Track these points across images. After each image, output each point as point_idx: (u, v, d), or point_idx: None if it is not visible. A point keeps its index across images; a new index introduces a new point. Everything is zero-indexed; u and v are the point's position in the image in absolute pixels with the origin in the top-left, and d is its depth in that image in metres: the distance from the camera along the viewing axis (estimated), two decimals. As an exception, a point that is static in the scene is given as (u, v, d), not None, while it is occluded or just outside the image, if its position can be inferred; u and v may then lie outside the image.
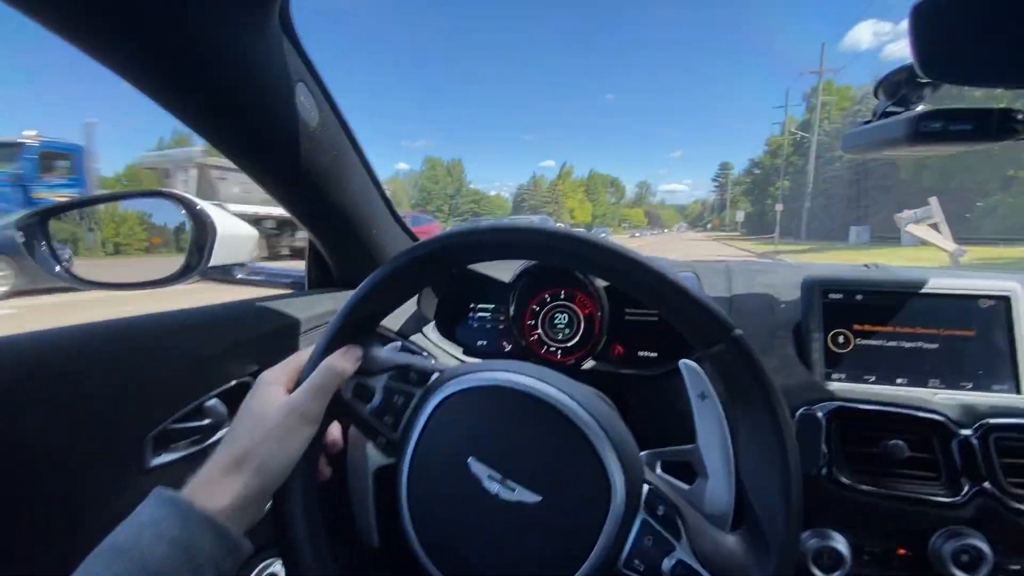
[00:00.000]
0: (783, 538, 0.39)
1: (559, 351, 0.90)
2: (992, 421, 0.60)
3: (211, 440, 0.66)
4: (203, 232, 0.87)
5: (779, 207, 30.95)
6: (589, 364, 0.88)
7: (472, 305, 0.99)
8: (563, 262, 0.49)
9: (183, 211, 0.89)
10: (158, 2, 0.45)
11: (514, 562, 0.41)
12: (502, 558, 0.42)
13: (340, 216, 0.82)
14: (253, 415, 0.44)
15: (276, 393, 0.46)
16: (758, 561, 0.40)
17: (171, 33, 0.47)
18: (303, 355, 0.50)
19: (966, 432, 0.60)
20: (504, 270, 0.95)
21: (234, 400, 0.68)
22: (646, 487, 0.42)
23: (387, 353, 0.51)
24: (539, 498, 0.41)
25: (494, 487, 0.42)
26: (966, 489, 0.58)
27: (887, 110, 0.65)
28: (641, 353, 0.88)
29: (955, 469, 0.59)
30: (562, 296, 0.91)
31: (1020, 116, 0.54)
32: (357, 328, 0.50)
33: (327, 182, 0.74)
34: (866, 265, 0.88)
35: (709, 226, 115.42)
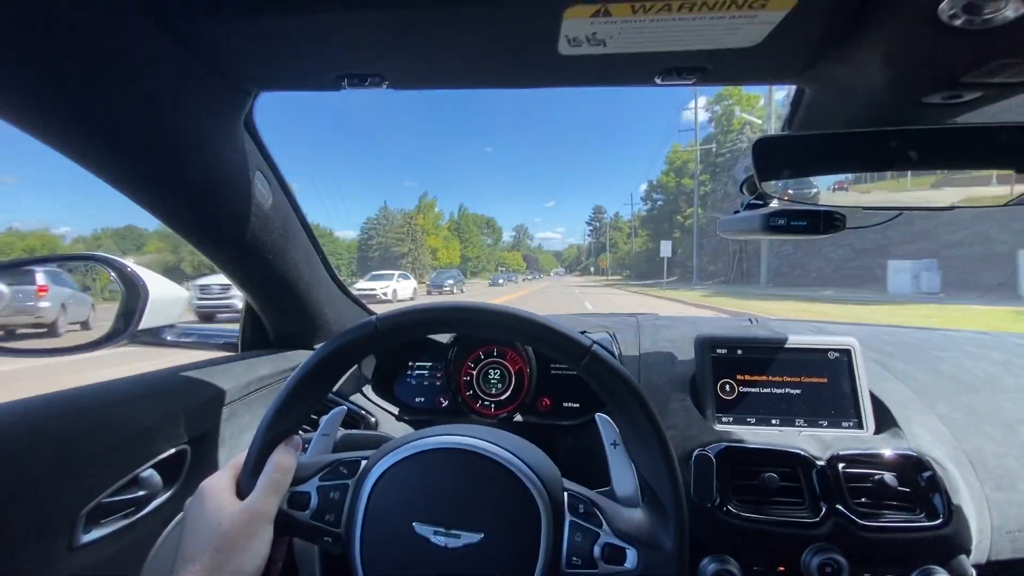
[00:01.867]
0: (672, 500, 0.48)
1: (492, 405, 0.98)
2: (840, 452, 0.74)
3: (143, 512, 0.65)
4: (135, 295, 0.87)
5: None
6: (519, 418, 0.96)
7: (410, 363, 1.04)
8: (461, 330, 0.56)
9: (113, 275, 0.89)
10: (146, 103, 0.50)
11: None
12: None
13: (283, 283, 0.86)
14: (211, 525, 0.44)
15: (227, 499, 0.46)
16: (663, 523, 0.48)
17: (154, 131, 0.52)
18: (240, 459, 0.51)
19: (822, 463, 0.73)
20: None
21: (170, 469, 0.69)
22: (565, 494, 0.50)
23: (312, 456, 0.55)
24: (481, 535, 0.47)
25: (441, 540, 0.47)
26: (824, 511, 0.71)
27: (751, 203, 0.82)
28: (566, 404, 0.97)
29: (815, 494, 0.72)
30: (495, 353, 0.99)
31: (838, 216, 0.71)
32: (285, 432, 0.52)
33: (273, 254, 0.79)
34: (749, 319, 1.05)
35: (592, 269, 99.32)
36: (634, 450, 0.53)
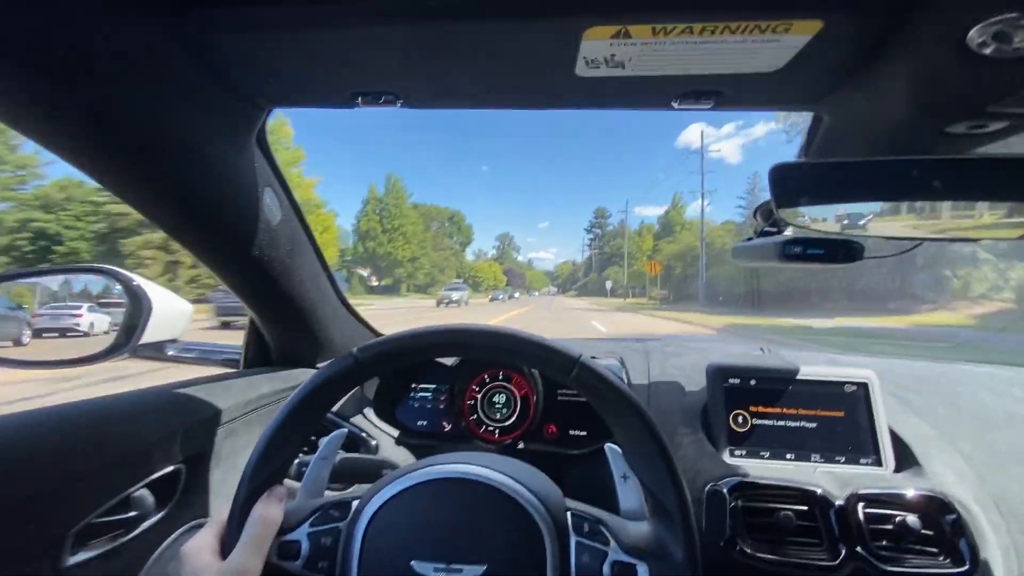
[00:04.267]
0: (678, 505, 0.46)
1: (497, 431, 0.95)
2: (860, 491, 0.71)
3: (133, 534, 0.63)
4: (138, 309, 0.86)
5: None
6: (523, 445, 0.93)
7: (414, 386, 1.02)
8: (449, 354, 0.54)
9: (118, 287, 0.88)
10: (159, 117, 0.50)
11: None
12: None
13: (288, 300, 0.85)
14: None
15: (207, 560, 0.44)
16: (671, 533, 0.46)
17: (166, 145, 0.52)
18: (224, 514, 0.49)
19: (840, 502, 0.70)
20: None
21: (163, 489, 0.67)
22: (568, 514, 0.48)
23: (301, 500, 0.53)
24: (484, 567, 0.44)
25: None
26: (843, 553, 0.68)
27: (765, 230, 0.80)
28: (572, 432, 0.95)
29: (834, 535, 0.69)
30: (500, 377, 0.97)
31: (856, 245, 0.70)
32: (269, 479, 0.50)
33: (280, 270, 0.78)
34: (761, 349, 1.03)
35: (588, 286, 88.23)
36: (633, 459, 0.50)
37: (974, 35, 0.40)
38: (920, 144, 0.60)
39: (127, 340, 0.86)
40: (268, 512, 0.47)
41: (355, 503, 0.49)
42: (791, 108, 0.62)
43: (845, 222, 0.68)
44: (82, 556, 0.57)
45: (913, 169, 0.57)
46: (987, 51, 0.41)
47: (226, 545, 0.46)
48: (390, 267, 56.20)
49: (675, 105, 0.59)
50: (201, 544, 0.46)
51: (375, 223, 54.98)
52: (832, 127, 0.65)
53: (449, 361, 0.99)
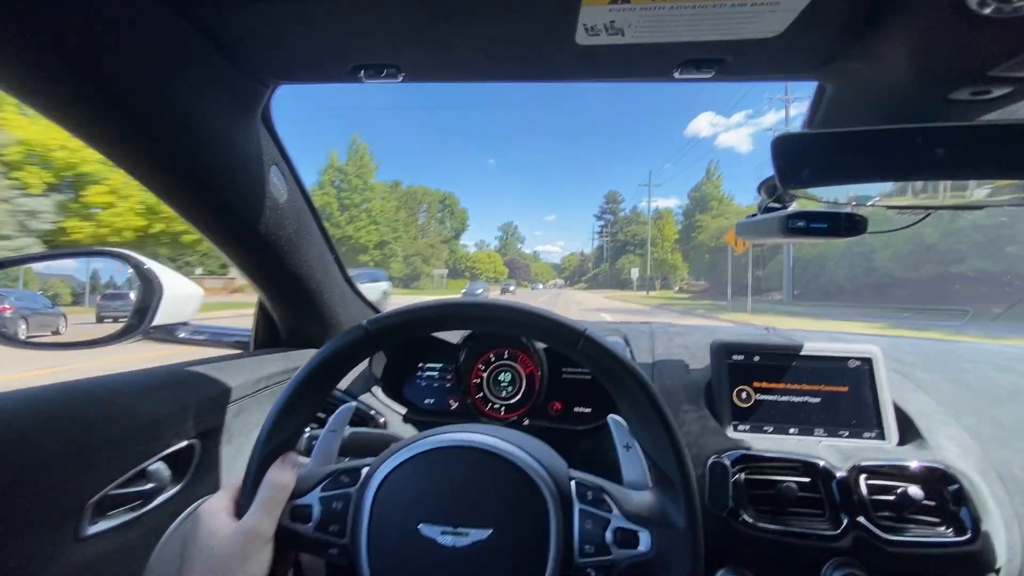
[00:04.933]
0: (680, 474, 0.46)
1: (503, 408, 0.96)
2: (862, 463, 0.71)
3: (150, 506, 0.65)
4: (149, 292, 0.88)
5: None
6: (528, 421, 0.95)
7: (420, 364, 1.04)
8: (455, 327, 0.55)
9: (130, 270, 0.90)
10: (165, 92, 0.51)
11: None
12: None
13: (295, 281, 0.86)
14: (206, 549, 0.44)
15: (223, 521, 0.46)
16: (673, 501, 0.47)
17: (172, 122, 0.53)
18: (238, 478, 0.50)
19: (842, 474, 0.71)
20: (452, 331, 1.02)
21: (178, 463, 0.69)
22: (572, 482, 0.49)
23: (312, 468, 0.54)
24: (489, 531, 0.46)
25: (448, 540, 0.46)
26: (844, 523, 0.68)
27: (768, 206, 0.80)
28: (577, 409, 0.96)
29: (836, 506, 0.70)
30: (506, 355, 0.98)
31: (858, 218, 0.70)
32: (281, 447, 0.51)
33: (287, 250, 0.79)
34: (766, 328, 1.03)
35: (600, 278, 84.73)
36: (637, 430, 0.51)
37: None
38: (924, 112, 0.59)
39: (139, 322, 0.88)
40: (281, 476, 0.48)
41: (365, 470, 0.50)
42: (793, 77, 0.62)
43: (849, 193, 0.68)
44: (101, 526, 0.59)
45: (917, 137, 0.56)
46: (987, 11, 0.41)
47: (240, 508, 0.48)
48: (351, 254, 42.05)
49: (676, 75, 0.58)
50: (216, 506, 0.48)
51: (331, 199, 42.22)
52: (835, 97, 0.64)
53: (455, 340, 1.00)
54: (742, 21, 0.47)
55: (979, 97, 0.55)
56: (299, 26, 0.52)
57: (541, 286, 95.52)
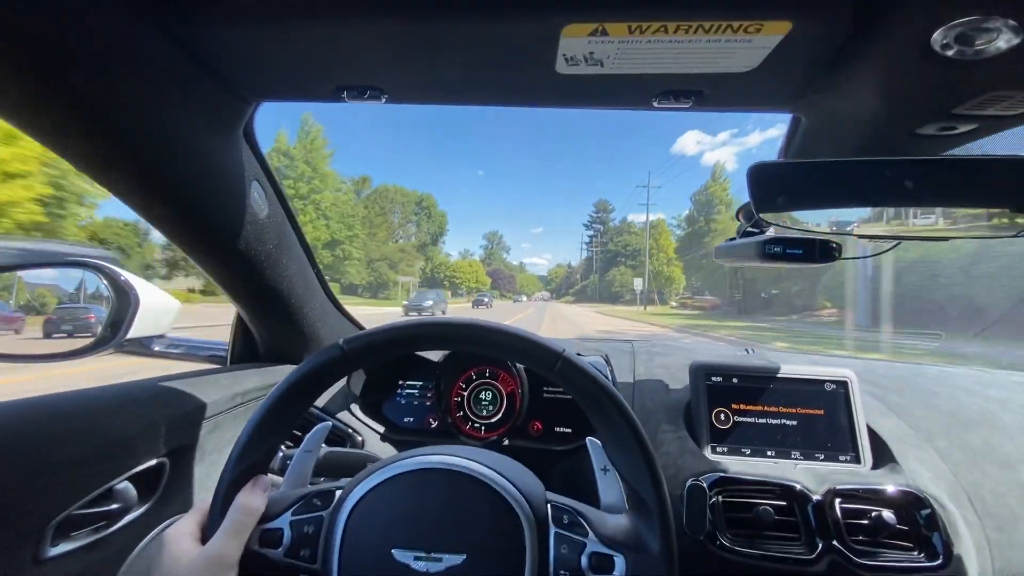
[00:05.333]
0: (656, 498, 0.46)
1: (483, 427, 0.96)
2: (837, 487, 0.72)
3: (115, 527, 0.63)
4: (125, 304, 0.86)
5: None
6: (507, 442, 0.94)
7: (401, 382, 1.03)
8: (434, 347, 0.55)
9: (104, 282, 0.88)
10: (145, 108, 0.51)
11: None
12: None
13: (275, 296, 0.85)
14: (167, 575, 0.43)
15: (187, 546, 0.45)
16: (648, 526, 0.47)
17: (153, 138, 0.53)
18: (206, 503, 0.49)
19: (818, 497, 0.71)
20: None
21: (147, 482, 0.67)
22: (548, 505, 0.48)
23: (284, 490, 0.53)
24: (464, 556, 0.45)
25: (422, 566, 0.45)
26: (820, 547, 0.69)
27: (747, 230, 0.82)
28: (558, 429, 0.95)
29: (811, 530, 0.70)
30: (487, 374, 0.98)
31: (835, 245, 0.71)
32: (254, 467, 0.50)
33: (266, 265, 0.79)
34: (746, 350, 1.04)
35: (588, 290, 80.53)
36: (613, 453, 0.51)
37: (938, 36, 0.41)
38: (893, 145, 0.61)
39: (113, 335, 0.86)
40: (250, 500, 0.47)
41: (338, 492, 0.50)
42: (768, 109, 0.64)
43: (823, 222, 0.69)
44: (63, 548, 0.57)
45: (886, 170, 0.58)
46: (950, 53, 0.42)
47: (206, 532, 0.47)
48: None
49: (655, 104, 0.60)
50: (182, 530, 0.46)
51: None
52: (809, 128, 0.66)
53: (436, 358, 1.00)
54: (717, 56, 0.49)
55: (945, 132, 0.57)
56: (284, 47, 0.52)
57: (525, 298, 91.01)
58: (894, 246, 0.72)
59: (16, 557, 0.52)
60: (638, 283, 46.15)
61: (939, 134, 0.58)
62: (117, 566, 0.62)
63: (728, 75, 0.53)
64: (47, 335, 0.90)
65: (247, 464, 0.49)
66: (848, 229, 0.69)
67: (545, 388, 0.98)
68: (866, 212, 0.68)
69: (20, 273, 0.91)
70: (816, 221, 0.70)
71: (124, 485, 0.64)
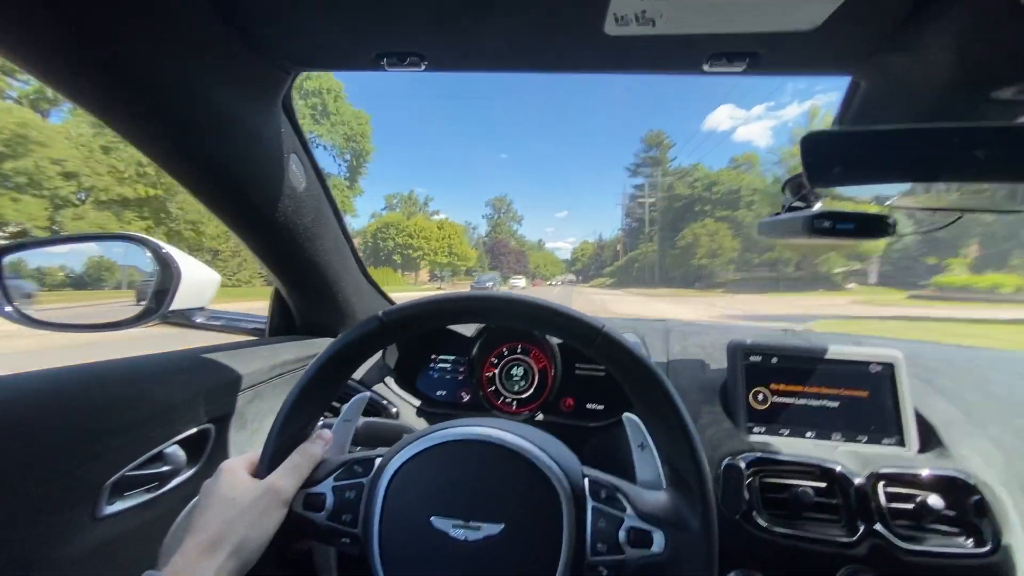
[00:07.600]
0: (696, 477, 0.46)
1: (514, 402, 0.96)
2: (881, 470, 0.70)
3: (166, 488, 0.66)
4: (167, 276, 0.88)
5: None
6: (541, 416, 0.94)
7: (433, 356, 1.04)
8: (472, 320, 0.55)
9: (148, 255, 0.90)
10: (189, 83, 0.51)
11: None
12: None
13: (312, 269, 0.86)
14: (223, 498, 0.46)
15: (243, 476, 0.48)
16: (688, 503, 0.46)
17: (195, 108, 0.53)
18: (256, 452, 0.52)
19: (860, 480, 0.69)
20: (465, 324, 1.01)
21: (193, 447, 0.69)
22: (586, 480, 0.48)
23: (332, 441, 0.55)
24: (502, 526, 0.45)
25: (460, 533, 0.46)
26: (861, 530, 0.67)
27: (792, 205, 0.78)
28: (589, 406, 0.95)
29: (852, 513, 0.69)
30: (519, 350, 0.97)
31: (890, 220, 0.68)
32: (295, 435, 0.52)
33: (304, 238, 0.79)
34: (784, 330, 1.01)
35: (636, 268, 54.33)
36: (654, 430, 0.51)
37: None
38: (963, 111, 0.57)
39: (158, 306, 0.88)
40: (313, 448, 0.51)
41: (378, 460, 0.50)
42: (828, 73, 0.60)
43: (879, 194, 0.66)
44: (119, 506, 0.60)
45: (954, 137, 0.54)
46: None
47: (257, 475, 0.49)
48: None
49: (706, 68, 0.57)
50: (240, 462, 0.50)
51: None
52: (869, 93, 0.62)
53: (469, 332, 1.00)
54: (779, 13, 0.46)
55: (1023, 96, 0.53)
56: (324, 13, 0.52)
57: (555, 280, 75.64)
58: (956, 219, 0.68)
59: (76, 514, 0.55)
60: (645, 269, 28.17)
61: (1017, 98, 0.54)
62: (168, 524, 0.66)
63: (787, 34, 0.50)
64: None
65: (290, 431, 0.50)
66: (905, 202, 0.65)
67: (578, 365, 0.97)
68: (926, 183, 0.64)
69: (67, 247, 0.94)
70: (872, 194, 0.66)
71: (173, 449, 0.67)
